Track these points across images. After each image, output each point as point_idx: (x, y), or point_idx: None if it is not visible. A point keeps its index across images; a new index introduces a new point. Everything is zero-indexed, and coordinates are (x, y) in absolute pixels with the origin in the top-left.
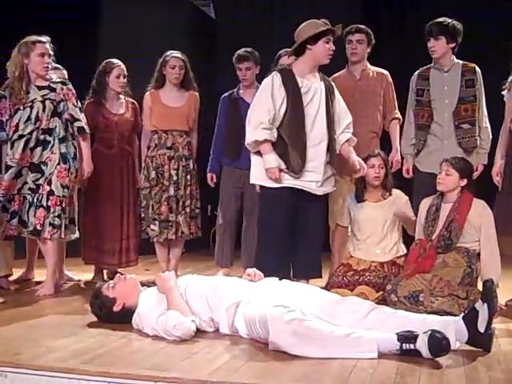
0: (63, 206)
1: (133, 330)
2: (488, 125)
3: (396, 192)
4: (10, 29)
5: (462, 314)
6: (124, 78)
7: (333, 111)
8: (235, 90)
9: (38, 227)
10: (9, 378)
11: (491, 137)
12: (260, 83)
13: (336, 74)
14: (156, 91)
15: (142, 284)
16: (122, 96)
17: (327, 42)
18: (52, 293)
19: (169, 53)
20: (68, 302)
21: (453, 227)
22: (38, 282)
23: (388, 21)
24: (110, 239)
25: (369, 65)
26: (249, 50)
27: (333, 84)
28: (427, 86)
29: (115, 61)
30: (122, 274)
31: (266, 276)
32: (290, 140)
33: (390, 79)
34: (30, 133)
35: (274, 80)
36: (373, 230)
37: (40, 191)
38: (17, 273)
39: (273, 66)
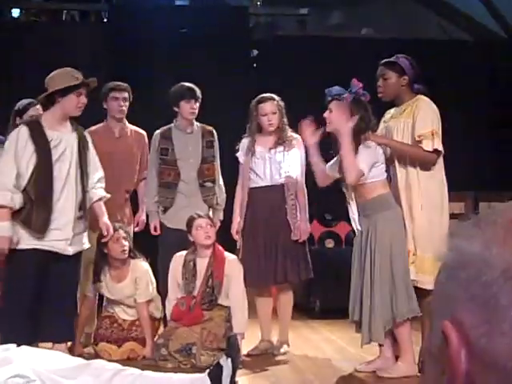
0: None
1: None
2: (222, 182)
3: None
4: None
5: (208, 370)
6: None
7: (86, 164)
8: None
9: None
10: None
11: (225, 195)
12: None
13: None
14: None
15: None
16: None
17: (78, 96)
18: None
19: None
20: None
21: (214, 284)
22: None
23: None
24: None
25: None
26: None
27: (86, 134)
28: (171, 146)
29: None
30: None
31: (11, 341)
32: (36, 198)
33: (147, 140)
34: None
35: (19, 134)
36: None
37: None
38: None
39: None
